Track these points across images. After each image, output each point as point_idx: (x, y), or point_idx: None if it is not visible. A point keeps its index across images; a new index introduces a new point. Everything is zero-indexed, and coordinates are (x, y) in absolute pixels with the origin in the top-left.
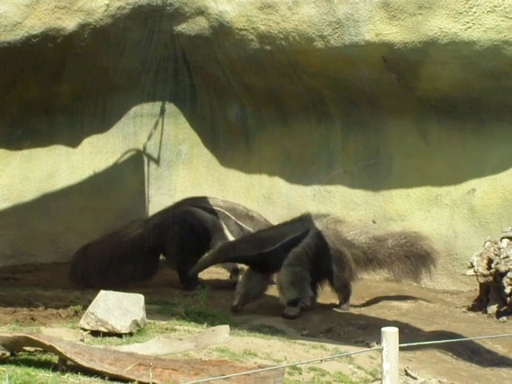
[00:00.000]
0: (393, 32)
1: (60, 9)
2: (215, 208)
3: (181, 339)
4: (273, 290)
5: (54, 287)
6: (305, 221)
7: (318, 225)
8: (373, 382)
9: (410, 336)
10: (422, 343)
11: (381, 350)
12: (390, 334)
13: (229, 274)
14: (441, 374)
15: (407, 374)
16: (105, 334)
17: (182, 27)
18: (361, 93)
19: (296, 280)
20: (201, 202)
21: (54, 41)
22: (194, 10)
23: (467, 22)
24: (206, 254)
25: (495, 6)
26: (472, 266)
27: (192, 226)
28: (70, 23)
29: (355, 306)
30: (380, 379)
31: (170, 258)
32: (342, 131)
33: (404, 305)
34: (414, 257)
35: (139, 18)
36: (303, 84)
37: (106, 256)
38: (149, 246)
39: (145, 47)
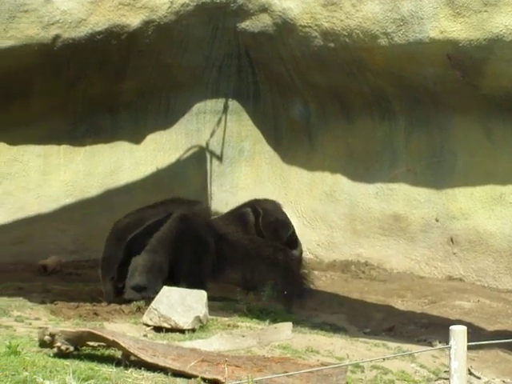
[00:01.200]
0: (457, 29)
1: (124, 6)
2: None
3: (243, 336)
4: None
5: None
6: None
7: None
8: (436, 380)
9: (472, 335)
10: (489, 342)
11: (449, 349)
12: (459, 332)
13: None
14: (504, 373)
15: (471, 374)
16: (167, 330)
17: (245, 24)
18: (425, 90)
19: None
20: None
21: (117, 38)
22: (257, 7)
23: None
24: None
25: None
26: None
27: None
28: (133, 20)
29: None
30: (443, 378)
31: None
32: (406, 129)
33: (467, 304)
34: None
35: (203, 15)
36: (367, 81)
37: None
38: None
39: (208, 44)
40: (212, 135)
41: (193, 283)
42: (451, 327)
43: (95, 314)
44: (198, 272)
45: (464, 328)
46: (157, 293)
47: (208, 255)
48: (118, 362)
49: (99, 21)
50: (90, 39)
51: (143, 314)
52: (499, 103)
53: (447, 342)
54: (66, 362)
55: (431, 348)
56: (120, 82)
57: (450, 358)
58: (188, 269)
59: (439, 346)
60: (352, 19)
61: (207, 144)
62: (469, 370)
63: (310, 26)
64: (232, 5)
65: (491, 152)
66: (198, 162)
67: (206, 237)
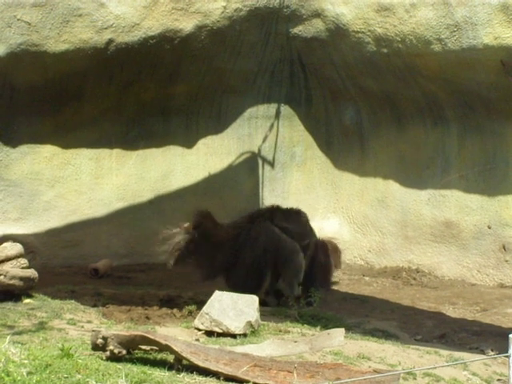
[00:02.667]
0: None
1: (177, 10)
2: None
3: (295, 341)
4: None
5: (167, 287)
6: None
7: None
8: None
9: None
10: None
11: (508, 357)
12: None
13: None
14: None
15: None
16: (219, 335)
17: (298, 29)
18: (478, 97)
19: None
20: None
21: (170, 42)
22: (310, 13)
23: None
24: None
25: None
26: None
27: None
28: (186, 25)
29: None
30: None
31: None
32: (458, 135)
33: None
34: None
35: (256, 20)
36: (419, 87)
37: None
38: None
39: (261, 49)
40: (264, 140)
41: None
42: (510, 335)
43: (147, 317)
44: None
45: None
46: None
47: None
48: (170, 366)
49: (152, 25)
50: (143, 43)
51: (195, 318)
52: None
53: (500, 350)
54: (119, 366)
55: (485, 356)
56: (172, 86)
57: (509, 366)
58: None
59: (492, 353)
60: (405, 25)
61: (259, 149)
62: None
63: (362, 32)
64: (285, 10)
65: None
66: (249, 167)
67: None
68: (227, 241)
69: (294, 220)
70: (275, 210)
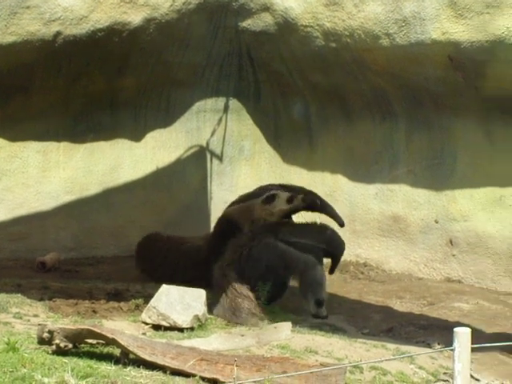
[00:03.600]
0: (459, 31)
1: (126, 3)
2: None
3: (242, 335)
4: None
5: (115, 280)
6: None
7: None
8: (435, 382)
9: (471, 337)
10: (491, 345)
11: (453, 350)
12: (463, 334)
13: None
14: (503, 376)
15: (470, 376)
16: (166, 329)
17: (247, 23)
18: (425, 92)
19: None
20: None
21: (119, 35)
22: (259, 6)
23: None
24: None
25: None
26: None
27: None
28: (135, 17)
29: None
30: (442, 380)
31: None
32: (406, 130)
33: (465, 306)
34: None
35: (205, 13)
36: (368, 82)
37: (160, 253)
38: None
39: (210, 42)
40: (212, 134)
41: None
42: (455, 329)
43: (94, 311)
44: None
45: (468, 330)
46: None
47: None
48: (116, 360)
49: (101, 18)
50: (91, 36)
51: (142, 311)
52: (500, 105)
53: (446, 344)
54: (65, 360)
55: (431, 350)
56: (121, 80)
57: (453, 360)
58: None
59: (438, 347)
60: (354, 19)
61: (207, 143)
62: None
63: (311, 26)
64: (234, 4)
65: (491, 154)
66: (197, 160)
67: None
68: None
69: (312, 233)
70: (280, 225)
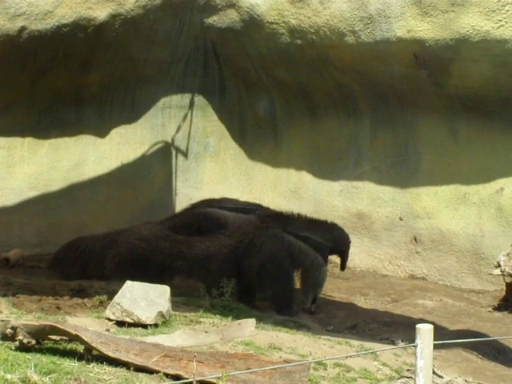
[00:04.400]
0: (424, 29)
1: None
2: (237, 206)
3: (206, 332)
4: None
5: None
6: None
7: None
8: (398, 379)
9: (435, 334)
10: (453, 341)
11: (415, 347)
12: (425, 330)
13: None
14: (466, 373)
15: (433, 373)
16: (130, 325)
17: (212, 19)
18: (391, 89)
19: None
20: (219, 203)
21: (84, 31)
22: (224, 3)
23: (500, 20)
24: None
25: None
26: (499, 266)
27: (201, 228)
28: (100, 13)
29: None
30: (406, 376)
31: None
32: (371, 127)
33: (429, 303)
34: None
35: (170, 9)
36: (333, 79)
37: (103, 254)
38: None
39: (175, 39)
40: (177, 130)
41: None
42: (417, 325)
43: (57, 307)
44: None
45: (430, 327)
46: None
47: None
48: (80, 357)
49: (66, 13)
50: (56, 32)
51: (106, 308)
52: (464, 103)
53: (410, 341)
54: (28, 356)
55: (395, 347)
56: (86, 75)
57: (416, 357)
58: None
59: (401, 344)
60: (319, 16)
61: (172, 139)
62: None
63: (277, 23)
64: (199, 0)
65: (455, 152)
66: (162, 156)
67: None
68: None
69: (321, 230)
70: (289, 218)
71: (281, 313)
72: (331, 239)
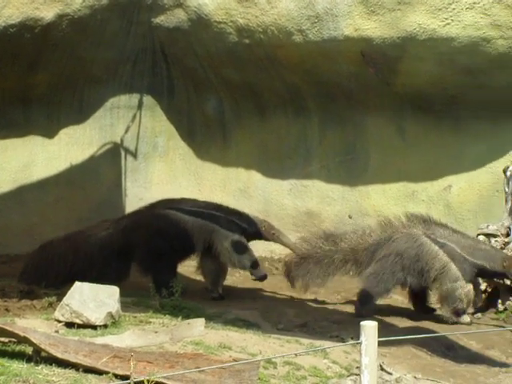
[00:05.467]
0: (372, 27)
1: None
2: (197, 209)
3: (156, 332)
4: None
5: None
6: None
7: None
8: (348, 376)
9: (384, 331)
10: (399, 338)
11: (360, 344)
12: (369, 327)
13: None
14: (416, 369)
15: (382, 369)
16: (79, 326)
17: (160, 19)
18: (339, 88)
19: None
20: (178, 204)
21: (31, 31)
22: (172, 2)
23: (446, 19)
24: None
25: (474, 3)
26: None
27: (161, 230)
28: (47, 13)
29: (331, 302)
30: (355, 374)
31: (137, 262)
32: (320, 126)
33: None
34: None
35: (117, 9)
36: (281, 78)
37: (68, 257)
38: (117, 248)
39: (123, 39)
40: (126, 131)
41: None
42: (362, 323)
43: (6, 309)
44: None
45: (375, 323)
46: None
47: None
48: (28, 358)
49: (13, 13)
50: (3, 32)
51: (55, 309)
52: (412, 101)
53: (359, 338)
54: None
55: (343, 344)
56: (33, 76)
57: (360, 354)
58: None
59: (351, 341)
60: (267, 16)
61: (121, 139)
62: (380, 365)
63: (224, 22)
64: (147, 0)
65: (403, 150)
66: (111, 157)
67: None
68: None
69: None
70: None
71: None
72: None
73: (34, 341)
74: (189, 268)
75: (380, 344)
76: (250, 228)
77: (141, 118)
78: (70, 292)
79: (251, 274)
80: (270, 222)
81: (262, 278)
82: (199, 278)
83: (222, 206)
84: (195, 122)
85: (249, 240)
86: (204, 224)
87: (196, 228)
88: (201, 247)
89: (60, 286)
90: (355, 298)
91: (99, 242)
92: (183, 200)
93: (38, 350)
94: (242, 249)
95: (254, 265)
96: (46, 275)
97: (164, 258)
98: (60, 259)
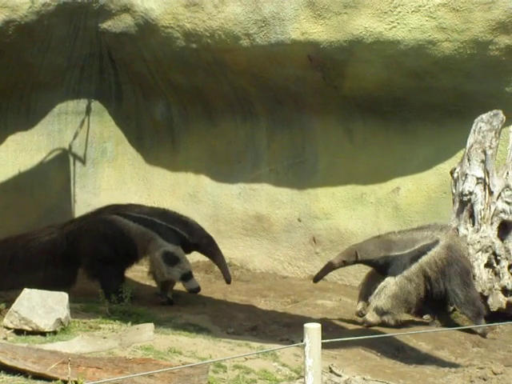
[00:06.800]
0: (318, 31)
1: None
2: (141, 215)
3: (105, 337)
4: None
5: None
6: (434, 229)
7: (447, 236)
8: (297, 379)
9: (334, 333)
10: (344, 339)
11: (303, 346)
12: (313, 329)
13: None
14: (365, 371)
15: (331, 372)
16: (28, 333)
17: (107, 24)
18: (286, 91)
19: (401, 296)
20: (124, 210)
21: None
22: (119, 7)
23: (392, 22)
24: (332, 258)
25: (420, 6)
26: None
27: (107, 235)
28: None
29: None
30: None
31: (84, 268)
32: (268, 130)
33: (329, 303)
34: None
35: (64, 14)
36: (229, 82)
37: (5, 259)
38: (62, 253)
39: (70, 44)
40: (74, 136)
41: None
42: (305, 325)
43: None
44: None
45: (318, 325)
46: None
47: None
48: None
49: None
50: None
51: (4, 316)
52: (360, 104)
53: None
54: None
55: (287, 346)
56: None
57: (304, 356)
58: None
59: (297, 343)
60: (214, 20)
61: (70, 145)
62: (330, 367)
63: (172, 27)
64: (94, 5)
65: (352, 152)
66: (60, 163)
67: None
68: None
69: None
70: None
71: None
72: None
73: None
74: (138, 273)
75: (329, 346)
76: (190, 238)
77: (89, 123)
78: (18, 299)
79: (183, 285)
80: (211, 239)
81: (195, 290)
82: (149, 282)
83: (168, 213)
84: (144, 127)
85: (190, 250)
86: (145, 231)
87: (138, 235)
88: (142, 255)
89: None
90: (305, 301)
91: (41, 246)
92: (130, 206)
93: None
94: (173, 260)
95: (185, 277)
96: None
97: (111, 263)
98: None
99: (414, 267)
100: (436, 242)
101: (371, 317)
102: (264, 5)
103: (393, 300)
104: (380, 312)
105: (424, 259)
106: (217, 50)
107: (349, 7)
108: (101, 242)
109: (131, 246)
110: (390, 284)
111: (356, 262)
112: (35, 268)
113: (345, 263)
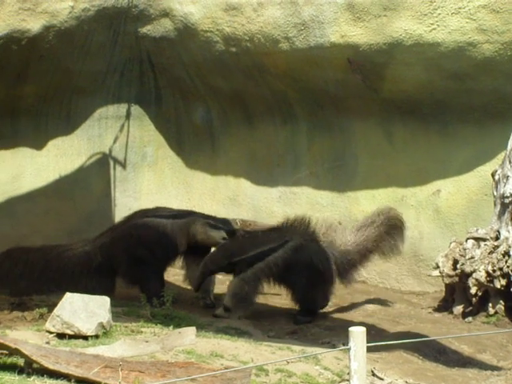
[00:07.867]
0: (358, 33)
1: (24, 10)
2: (172, 213)
3: (147, 341)
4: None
5: None
6: (286, 230)
7: (299, 237)
8: (339, 382)
9: (376, 337)
10: (388, 343)
11: (348, 350)
12: (358, 333)
13: None
14: (407, 374)
15: (374, 375)
16: (71, 337)
17: (146, 29)
18: (326, 94)
19: (241, 297)
20: (153, 212)
21: (18, 43)
22: (158, 12)
23: (432, 24)
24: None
25: (460, 8)
26: (437, 267)
27: (141, 238)
28: (34, 25)
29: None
30: (347, 380)
31: (122, 277)
32: (308, 133)
33: (370, 306)
34: (391, 230)
35: (104, 20)
36: (268, 86)
37: (36, 266)
38: (96, 265)
39: (110, 49)
40: (115, 141)
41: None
42: (350, 328)
43: None
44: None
45: (363, 329)
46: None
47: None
48: (20, 370)
49: None
50: None
51: (46, 320)
52: (399, 106)
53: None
54: None
55: (335, 349)
56: (21, 87)
57: (349, 359)
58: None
59: (342, 347)
60: (253, 24)
61: (110, 150)
62: (372, 371)
63: (211, 31)
64: (133, 10)
65: (392, 155)
66: (100, 167)
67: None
68: None
69: None
70: None
71: None
72: None
73: (26, 352)
74: (180, 277)
75: (371, 349)
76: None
77: (129, 127)
78: (60, 303)
79: None
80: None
81: None
82: (190, 287)
83: (196, 212)
84: (184, 131)
85: None
86: (181, 222)
87: (175, 229)
88: (184, 246)
89: (24, 293)
90: (346, 304)
91: (75, 257)
92: (157, 208)
93: (29, 362)
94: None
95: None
96: (7, 278)
97: (148, 267)
98: (26, 266)
99: (256, 268)
100: (284, 243)
101: (220, 313)
102: (303, 8)
103: (233, 299)
104: (226, 308)
105: (268, 260)
106: (256, 53)
107: (388, 10)
108: (135, 247)
109: (169, 243)
110: (232, 284)
111: (213, 272)
112: (68, 279)
113: (205, 275)
